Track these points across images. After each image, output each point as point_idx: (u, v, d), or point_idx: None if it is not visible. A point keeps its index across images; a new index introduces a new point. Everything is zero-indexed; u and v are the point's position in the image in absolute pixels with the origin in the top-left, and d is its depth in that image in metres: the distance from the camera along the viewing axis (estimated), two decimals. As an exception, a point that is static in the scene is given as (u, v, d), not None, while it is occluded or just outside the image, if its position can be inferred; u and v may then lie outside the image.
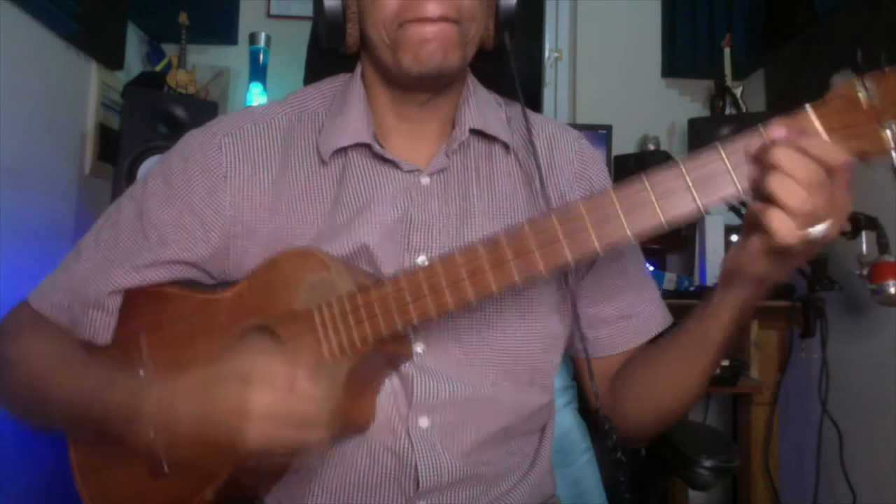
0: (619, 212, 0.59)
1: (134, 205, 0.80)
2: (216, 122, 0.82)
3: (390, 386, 0.73)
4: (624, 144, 2.31)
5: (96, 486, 0.77)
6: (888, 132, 0.55)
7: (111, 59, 2.05)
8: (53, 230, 1.80)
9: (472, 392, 0.74)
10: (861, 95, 0.56)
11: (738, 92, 2.15)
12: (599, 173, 0.87)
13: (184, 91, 2.09)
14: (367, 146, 0.78)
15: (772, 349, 1.86)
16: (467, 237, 0.76)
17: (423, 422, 0.73)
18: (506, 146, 0.82)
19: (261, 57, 2.31)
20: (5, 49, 1.55)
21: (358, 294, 0.66)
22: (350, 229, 0.74)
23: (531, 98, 2.44)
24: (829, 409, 1.69)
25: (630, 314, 0.85)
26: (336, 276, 0.66)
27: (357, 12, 0.77)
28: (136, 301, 0.77)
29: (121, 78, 2.15)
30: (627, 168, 2.09)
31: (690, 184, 0.58)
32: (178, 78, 2.10)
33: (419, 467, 0.72)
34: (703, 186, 0.58)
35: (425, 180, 0.78)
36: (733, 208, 1.63)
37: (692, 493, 2.10)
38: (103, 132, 2.03)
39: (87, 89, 1.98)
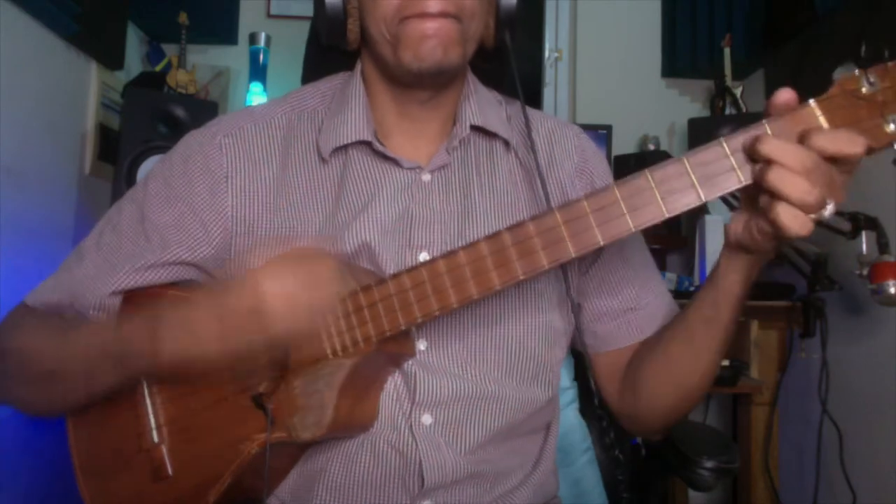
0: (624, 209, 0.59)
1: (135, 207, 0.79)
2: (216, 122, 0.82)
3: (393, 383, 0.73)
4: (624, 144, 2.31)
5: (98, 487, 0.76)
6: (892, 126, 0.55)
7: (111, 59, 2.06)
8: (53, 230, 1.80)
9: (476, 389, 0.74)
10: (865, 89, 0.56)
11: (738, 92, 2.16)
12: (600, 168, 0.87)
13: (184, 91, 2.09)
14: (368, 144, 0.78)
15: (772, 349, 1.87)
16: (469, 234, 0.76)
17: (427, 419, 0.73)
18: (506, 143, 0.82)
19: (261, 57, 2.31)
20: (5, 49, 1.55)
21: (360, 293, 0.66)
22: (351, 227, 0.74)
23: (531, 98, 2.43)
24: (829, 409, 1.69)
25: (637, 306, 0.84)
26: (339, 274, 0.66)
27: (358, 8, 0.77)
28: (136, 302, 0.77)
29: (121, 78, 2.15)
30: (627, 168, 2.09)
31: (695, 181, 0.58)
32: (178, 78, 2.10)
33: (423, 465, 0.72)
34: (708, 183, 0.58)
35: (426, 177, 0.78)
36: (726, 201, 1.63)
37: (692, 493, 2.10)
38: (103, 132, 2.03)
39: (87, 89, 1.98)
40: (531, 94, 2.51)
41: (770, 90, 2.22)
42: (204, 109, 1.91)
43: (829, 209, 0.55)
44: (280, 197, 0.77)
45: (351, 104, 0.79)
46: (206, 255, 0.77)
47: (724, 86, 2.17)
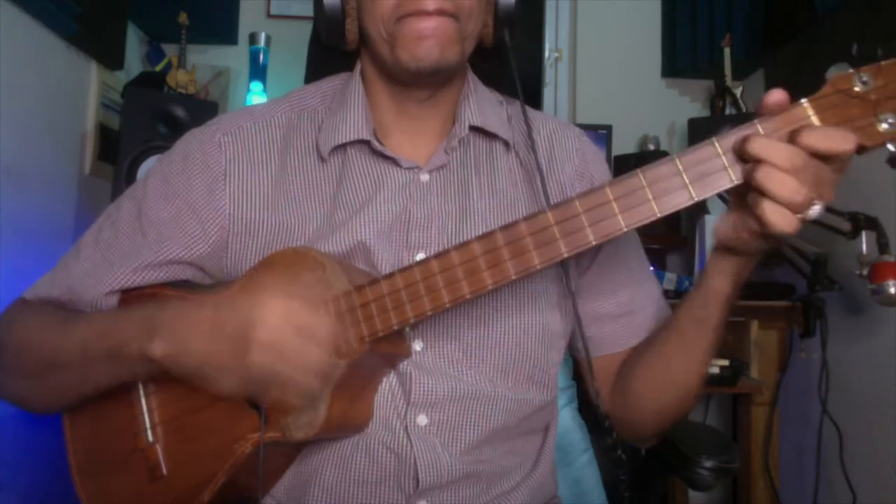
0: (616, 209, 0.59)
1: (133, 204, 0.80)
2: (216, 120, 0.82)
3: (388, 384, 0.73)
4: (624, 144, 2.31)
5: (95, 487, 0.77)
6: (885, 125, 0.55)
7: (111, 59, 2.06)
8: (53, 230, 1.80)
9: (471, 389, 0.74)
10: (857, 88, 0.56)
11: (738, 92, 2.16)
12: (601, 171, 0.87)
13: (184, 91, 2.09)
14: (367, 143, 0.78)
15: (772, 349, 1.86)
16: (467, 234, 0.75)
17: (422, 419, 0.73)
18: (506, 144, 0.82)
19: (261, 57, 2.31)
20: (5, 49, 1.55)
21: (354, 293, 0.65)
22: (348, 226, 0.74)
23: (531, 98, 2.43)
24: (829, 409, 1.69)
25: (632, 310, 0.84)
26: (332, 275, 0.66)
27: (356, 8, 0.77)
28: (132, 301, 0.77)
29: (121, 78, 2.15)
30: (627, 168, 2.08)
31: (688, 181, 0.58)
32: (178, 78, 2.10)
33: (418, 465, 0.72)
34: (700, 183, 0.58)
35: (424, 177, 0.78)
36: (724, 200, 1.63)
37: (692, 493, 2.10)
38: (103, 132, 2.03)
39: (87, 89, 1.98)
40: (531, 94, 2.51)
41: (770, 90, 2.23)
42: (204, 109, 1.91)
43: (816, 209, 0.55)
44: (279, 195, 0.77)
45: (350, 103, 0.79)
46: (202, 253, 0.77)
47: (724, 86, 2.17)
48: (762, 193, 0.55)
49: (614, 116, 2.31)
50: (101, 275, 0.76)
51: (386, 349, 0.69)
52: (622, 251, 0.84)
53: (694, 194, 0.58)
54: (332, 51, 0.81)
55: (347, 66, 0.84)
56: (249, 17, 2.51)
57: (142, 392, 0.74)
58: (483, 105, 0.82)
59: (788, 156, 0.54)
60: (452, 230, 0.76)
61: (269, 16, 2.53)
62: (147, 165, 1.79)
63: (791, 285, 1.82)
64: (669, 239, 2.20)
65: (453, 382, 0.74)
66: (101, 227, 0.81)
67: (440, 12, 0.70)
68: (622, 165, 2.17)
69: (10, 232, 1.57)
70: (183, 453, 0.72)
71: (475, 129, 0.80)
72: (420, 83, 0.76)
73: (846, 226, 1.48)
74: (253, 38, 2.32)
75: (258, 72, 2.31)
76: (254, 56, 2.31)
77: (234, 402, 0.67)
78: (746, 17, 2.24)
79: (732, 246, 0.64)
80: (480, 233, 0.63)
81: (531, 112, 0.83)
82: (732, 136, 0.57)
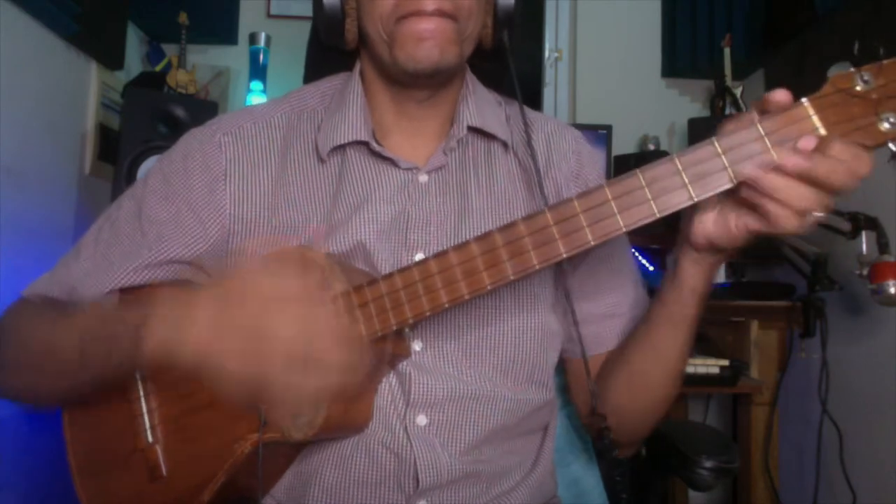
0: (615, 209, 0.59)
1: (133, 203, 0.80)
2: (216, 120, 0.82)
3: (387, 384, 0.73)
4: (624, 144, 2.30)
5: (95, 488, 0.77)
6: (886, 124, 0.55)
7: (111, 59, 2.05)
8: (53, 230, 1.79)
9: (470, 389, 0.74)
10: (859, 87, 0.56)
11: (738, 92, 2.15)
12: (594, 174, 0.86)
13: (184, 91, 2.09)
14: (366, 144, 0.78)
15: (772, 349, 1.86)
16: (465, 235, 0.75)
17: (421, 419, 0.73)
18: (504, 144, 0.82)
19: (261, 57, 2.31)
20: (5, 49, 1.55)
21: (352, 293, 0.65)
22: (347, 227, 0.74)
23: (531, 98, 2.44)
24: (829, 409, 1.68)
25: (616, 313, 0.84)
26: (330, 275, 0.66)
27: (356, 8, 0.77)
28: (131, 301, 0.77)
29: (121, 78, 2.15)
30: (627, 168, 2.08)
31: (687, 181, 0.58)
32: (178, 78, 2.10)
33: (418, 465, 0.72)
34: (700, 183, 0.58)
35: (423, 178, 0.78)
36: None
37: (692, 493, 2.10)
38: (103, 132, 2.03)
39: (87, 89, 1.98)
40: (531, 94, 2.51)
41: (770, 90, 2.22)
42: (204, 109, 1.91)
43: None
44: (278, 196, 0.77)
45: (349, 104, 0.79)
46: (202, 253, 0.77)
47: (724, 86, 2.16)
48: (772, 198, 0.56)
49: (614, 116, 2.31)
50: (101, 274, 0.76)
51: (385, 349, 0.69)
52: (611, 254, 0.84)
53: (693, 194, 0.58)
54: (331, 51, 0.81)
55: (347, 66, 0.84)
56: (249, 17, 2.51)
57: (141, 392, 0.74)
58: (482, 106, 0.82)
59: (803, 169, 0.55)
60: (451, 230, 0.77)
61: (269, 16, 2.52)
62: (147, 165, 1.78)
63: (791, 285, 1.82)
64: (670, 239, 2.19)
65: (453, 382, 0.74)
66: (101, 226, 0.81)
67: (439, 13, 0.70)
68: (622, 165, 2.16)
69: (10, 232, 1.57)
70: (183, 453, 0.72)
71: (474, 130, 0.80)
72: (419, 84, 0.76)
73: (846, 226, 1.48)
74: (253, 38, 2.31)
75: (258, 72, 2.31)
76: (254, 56, 2.31)
77: (233, 402, 0.67)
78: (746, 17, 2.24)
79: (717, 242, 0.64)
80: (479, 233, 0.63)
81: (530, 113, 0.83)
82: (732, 136, 0.57)
